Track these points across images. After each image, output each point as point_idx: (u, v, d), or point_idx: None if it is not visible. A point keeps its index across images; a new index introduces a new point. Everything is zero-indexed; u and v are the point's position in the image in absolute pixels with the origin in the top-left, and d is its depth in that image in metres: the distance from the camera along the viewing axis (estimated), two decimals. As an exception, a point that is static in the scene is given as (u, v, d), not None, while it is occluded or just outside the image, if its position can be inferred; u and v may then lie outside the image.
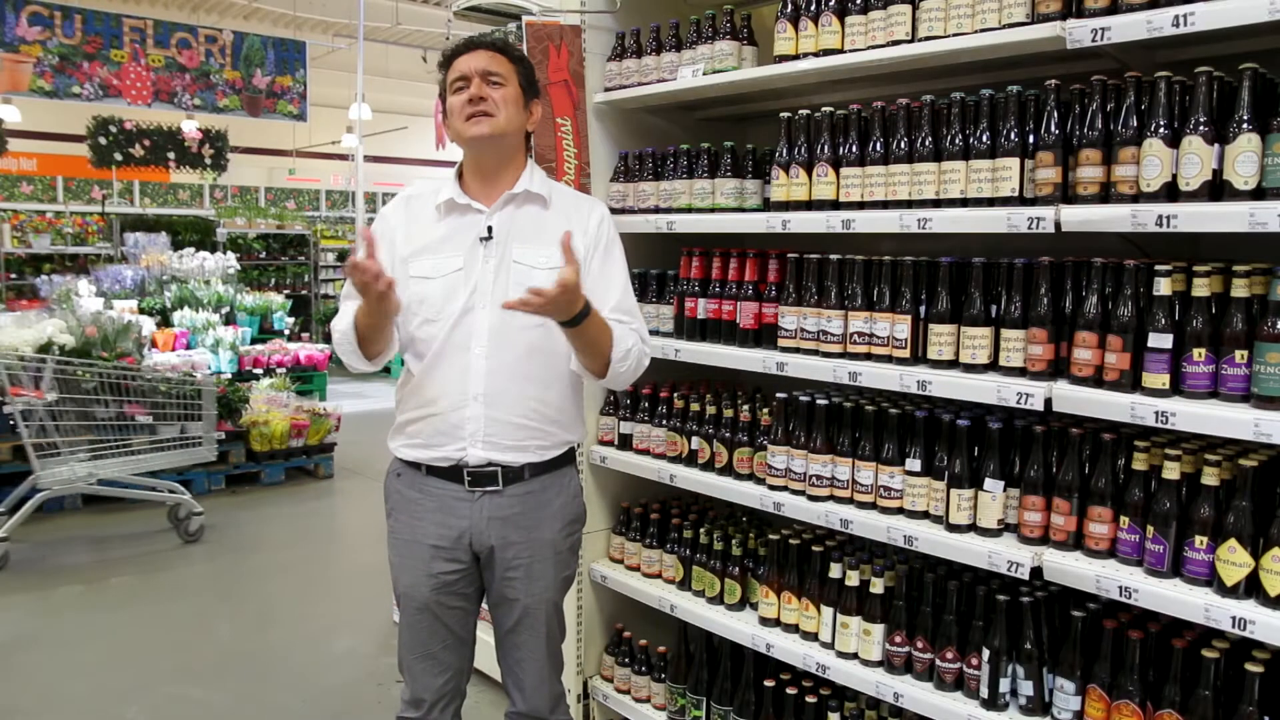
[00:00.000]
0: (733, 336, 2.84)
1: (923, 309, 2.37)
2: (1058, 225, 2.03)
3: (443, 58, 2.18)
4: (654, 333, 3.03)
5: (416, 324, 2.14)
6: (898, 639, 2.38)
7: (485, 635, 2.32)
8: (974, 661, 2.23)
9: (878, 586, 2.43)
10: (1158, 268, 1.95)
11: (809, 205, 2.57)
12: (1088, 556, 2.07)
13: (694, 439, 2.92)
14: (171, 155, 13.94)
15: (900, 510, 2.39)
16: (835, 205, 2.52)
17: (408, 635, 2.23)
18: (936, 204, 2.29)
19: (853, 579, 2.47)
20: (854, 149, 2.48)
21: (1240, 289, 1.87)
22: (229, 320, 8.59)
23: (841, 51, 2.49)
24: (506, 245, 2.14)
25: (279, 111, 13.06)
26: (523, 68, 2.17)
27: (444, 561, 2.16)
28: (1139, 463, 2.01)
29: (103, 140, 13.31)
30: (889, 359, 2.42)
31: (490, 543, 2.15)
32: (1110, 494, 2.05)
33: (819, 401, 2.56)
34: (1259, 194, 1.81)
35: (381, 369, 2.32)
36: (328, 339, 12.76)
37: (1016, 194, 2.16)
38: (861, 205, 2.45)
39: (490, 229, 2.14)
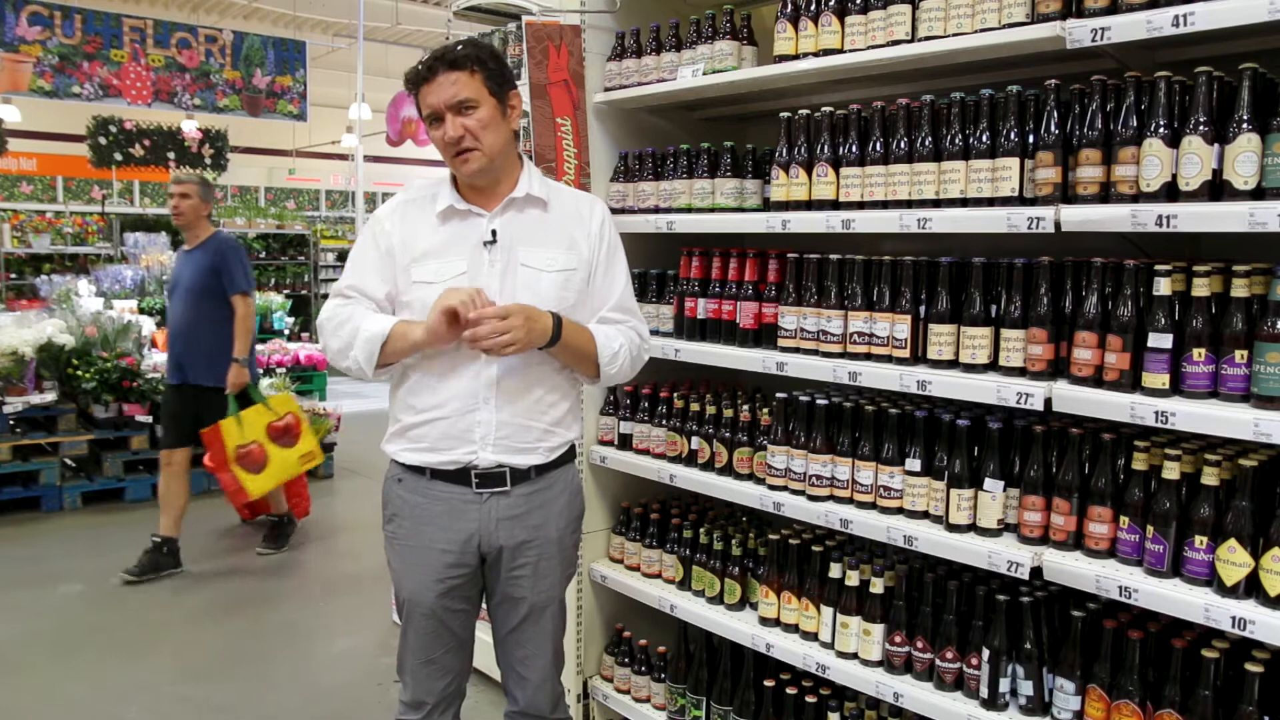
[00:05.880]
0: (733, 336, 2.84)
1: (923, 309, 2.37)
2: (1058, 225, 2.03)
3: (407, 80, 2.11)
4: (654, 333, 3.03)
5: None
6: (898, 639, 2.38)
7: (484, 635, 2.32)
8: (974, 661, 2.23)
9: (878, 586, 2.43)
10: (1158, 268, 1.95)
11: (809, 205, 2.57)
12: (1088, 556, 2.07)
13: (694, 439, 2.92)
14: (171, 155, 13.95)
15: (900, 510, 2.39)
16: (835, 205, 2.52)
17: (412, 641, 2.21)
18: (936, 204, 2.29)
19: (853, 579, 2.47)
20: (854, 149, 2.47)
21: (1240, 289, 1.87)
22: (229, 320, 8.58)
23: (841, 51, 2.49)
24: (512, 249, 2.13)
25: (279, 111, 13.06)
26: (487, 70, 2.05)
27: (452, 566, 2.15)
28: (1139, 463, 2.00)
29: (103, 140, 13.33)
30: (889, 359, 2.42)
31: (500, 543, 2.15)
32: (1110, 494, 2.05)
33: (819, 401, 2.56)
34: (1259, 194, 1.81)
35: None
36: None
37: (1016, 194, 2.15)
38: (861, 205, 2.45)
39: (494, 233, 2.13)
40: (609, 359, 2.17)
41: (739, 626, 2.73)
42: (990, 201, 2.20)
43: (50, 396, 5.91)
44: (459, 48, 2.07)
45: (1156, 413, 1.89)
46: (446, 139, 2.05)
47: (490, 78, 2.07)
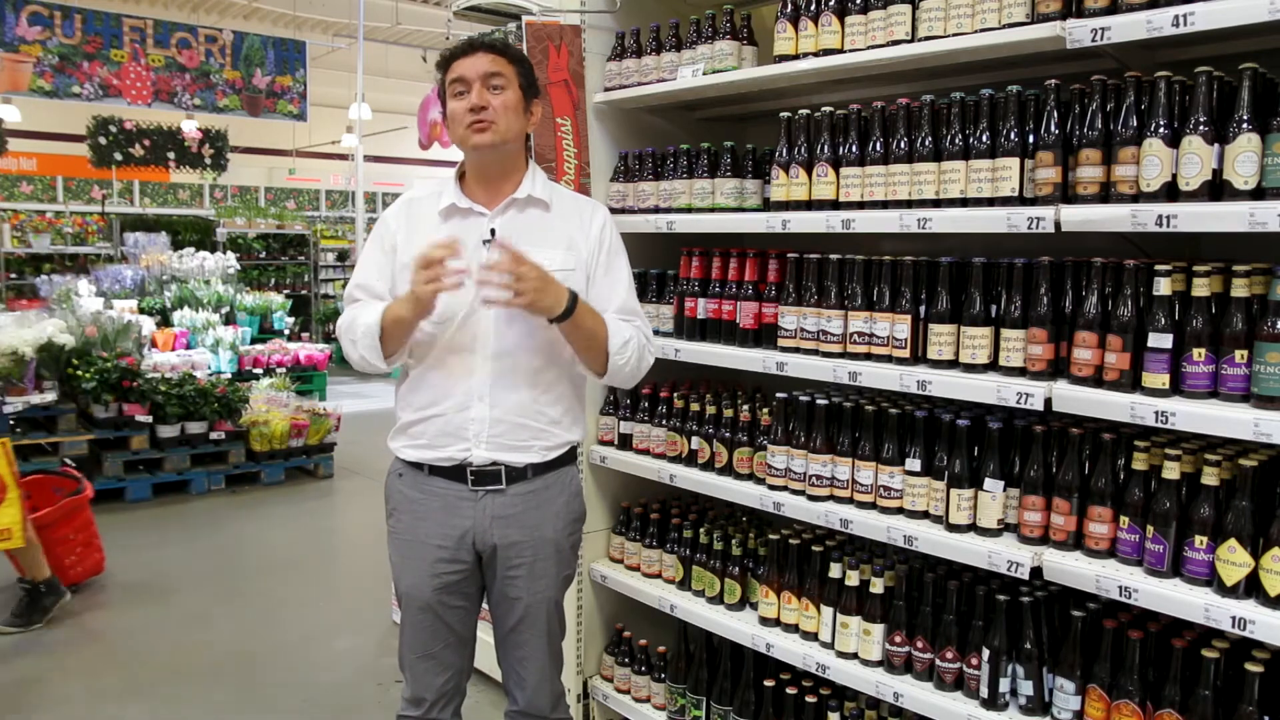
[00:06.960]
0: (733, 336, 2.84)
1: (923, 309, 2.37)
2: (1058, 225, 2.03)
3: (441, 58, 2.17)
4: (654, 333, 3.03)
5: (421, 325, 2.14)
6: (898, 639, 2.38)
7: (485, 635, 2.32)
8: (974, 661, 2.23)
9: (878, 586, 2.42)
10: (1158, 268, 1.95)
11: (809, 205, 2.57)
12: (1088, 556, 2.07)
13: (694, 439, 2.92)
14: (171, 155, 13.96)
15: (900, 510, 2.39)
16: (835, 205, 2.52)
17: (409, 635, 2.23)
18: (936, 204, 2.29)
19: (853, 579, 2.47)
20: (854, 149, 2.47)
21: (1240, 289, 1.87)
22: (229, 320, 8.60)
23: (841, 51, 2.49)
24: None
25: (279, 111, 13.05)
26: (523, 68, 2.16)
27: (446, 561, 2.16)
28: (1139, 463, 2.00)
29: (103, 140, 13.33)
30: (889, 359, 2.42)
31: (493, 541, 2.16)
32: (1110, 494, 2.05)
33: (819, 401, 2.56)
34: (1259, 194, 1.81)
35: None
36: (328, 339, 12.69)
37: (1016, 194, 2.15)
38: (861, 205, 2.45)
39: (493, 231, 2.14)
40: (619, 346, 2.13)
41: (739, 626, 2.73)
42: (990, 201, 2.20)
43: (50, 396, 5.91)
44: (505, 42, 2.12)
45: (1156, 413, 1.89)
46: (470, 105, 2.08)
47: (523, 75, 2.16)
